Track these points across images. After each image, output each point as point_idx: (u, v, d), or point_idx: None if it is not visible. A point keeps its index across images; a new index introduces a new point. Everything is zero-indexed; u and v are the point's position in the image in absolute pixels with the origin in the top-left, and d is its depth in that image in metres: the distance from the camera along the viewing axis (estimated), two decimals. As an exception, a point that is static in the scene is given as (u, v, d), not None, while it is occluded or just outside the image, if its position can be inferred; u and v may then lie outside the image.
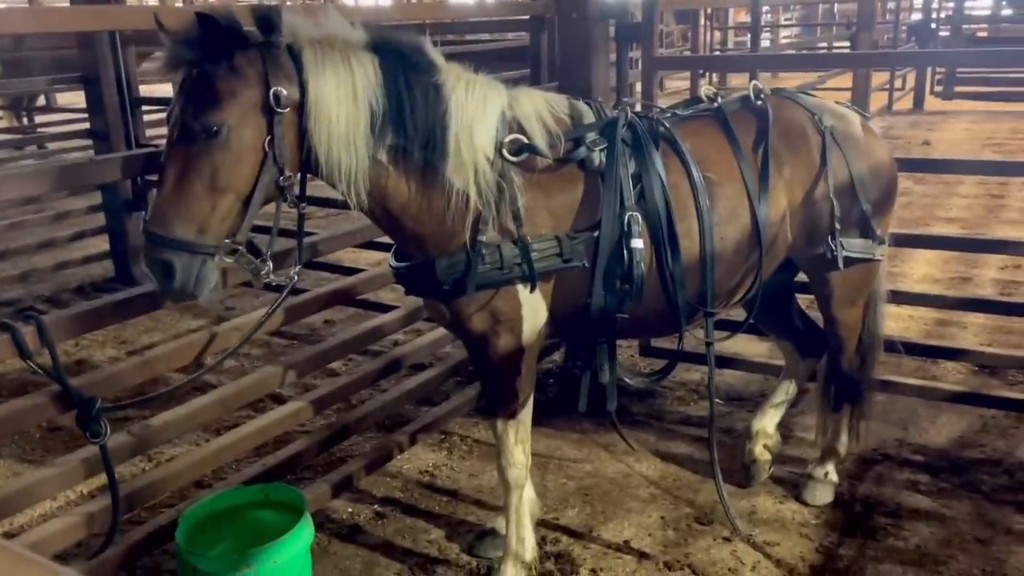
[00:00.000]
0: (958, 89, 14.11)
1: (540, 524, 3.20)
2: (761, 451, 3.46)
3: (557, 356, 4.55)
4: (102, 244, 6.46)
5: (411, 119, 2.31)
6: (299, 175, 2.33)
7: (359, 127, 2.26)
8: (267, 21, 2.13)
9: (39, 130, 10.61)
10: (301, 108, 2.20)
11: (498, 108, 2.45)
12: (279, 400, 4.06)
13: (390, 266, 2.67)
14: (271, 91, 2.13)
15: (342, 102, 2.22)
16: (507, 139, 2.43)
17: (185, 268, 2.15)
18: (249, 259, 2.26)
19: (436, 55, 2.42)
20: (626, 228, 2.54)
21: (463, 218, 2.41)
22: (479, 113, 2.40)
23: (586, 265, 2.54)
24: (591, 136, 2.57)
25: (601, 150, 2.57)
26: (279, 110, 2.15)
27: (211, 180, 2.13)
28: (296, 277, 2.44)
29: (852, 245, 2.96)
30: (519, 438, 2.73)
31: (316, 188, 2.55)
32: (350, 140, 2.25)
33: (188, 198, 2.12)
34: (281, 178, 2.21)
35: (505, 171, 2.43)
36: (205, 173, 2.12)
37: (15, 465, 3.83)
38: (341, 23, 2.31)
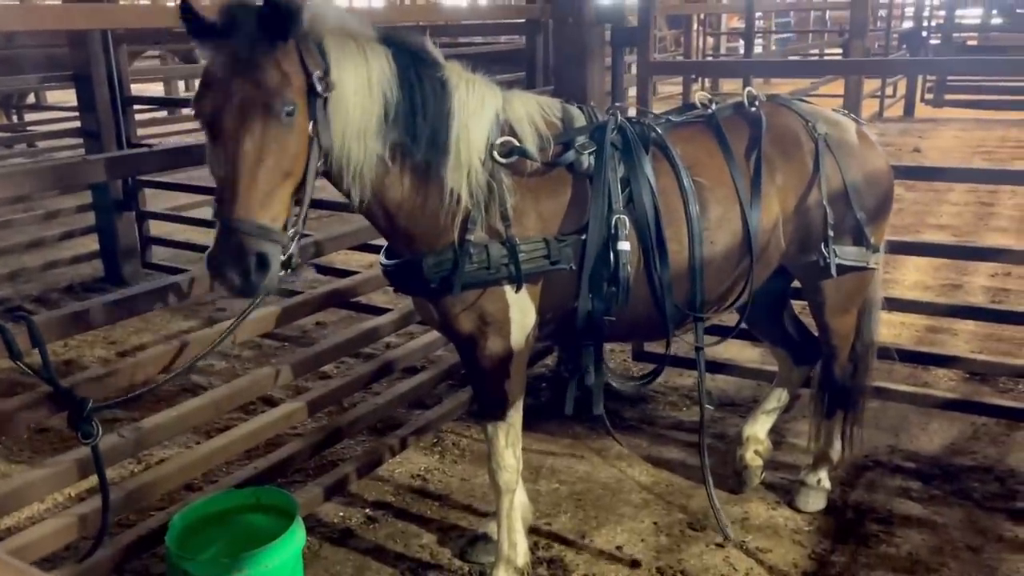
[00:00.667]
0: (948, 97, 14.19)
1: (532, 529, 3.18)
2: (752, 457, 3.45)
3: (550, 360, 4.54)
4: (92, 244, 6.42)
5: (421, 113, 2.31)
6: None
7: (372, 119, 2.25)
8: (291, 6, 2.06)
9: (29, 128, 10.54)
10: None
11: (493, 109, 2.46)
12: (270, 402, 4.04)
13: (380, 264, 2.67)
14: (314, 75, 2.10)
15: (359, 93, 2.21)
16: (498, 141, 2.44)
17: (275, 260, 2.06)
18: (292, 252, 2.17)
19: (439, 53, 2.44)
20: (613, 231, 2.54)
21: (453, 217, 2.41)
22: (477, 112, 2.41)
23: (573, 268, 2.55)
24: (580, 140, 2.59)
25: (590, 153, 2.58)
26: (324, 94, 2.11)
27: (283, 164, 2.06)
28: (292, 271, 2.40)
29: (845, 253, 2.96)
30: (509, 441, 2.73)
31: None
32: (362, 132, 2.24)
33: (264, 184, 2.03)
34: (320, 164, 2.19)
35: (495, 172, 2.44)
36: (279, 156, 2.05)
37: (2, 466, 3.79)
38: (352, 15, 2.30)
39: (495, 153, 2.43)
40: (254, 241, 2.02)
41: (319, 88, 2.10)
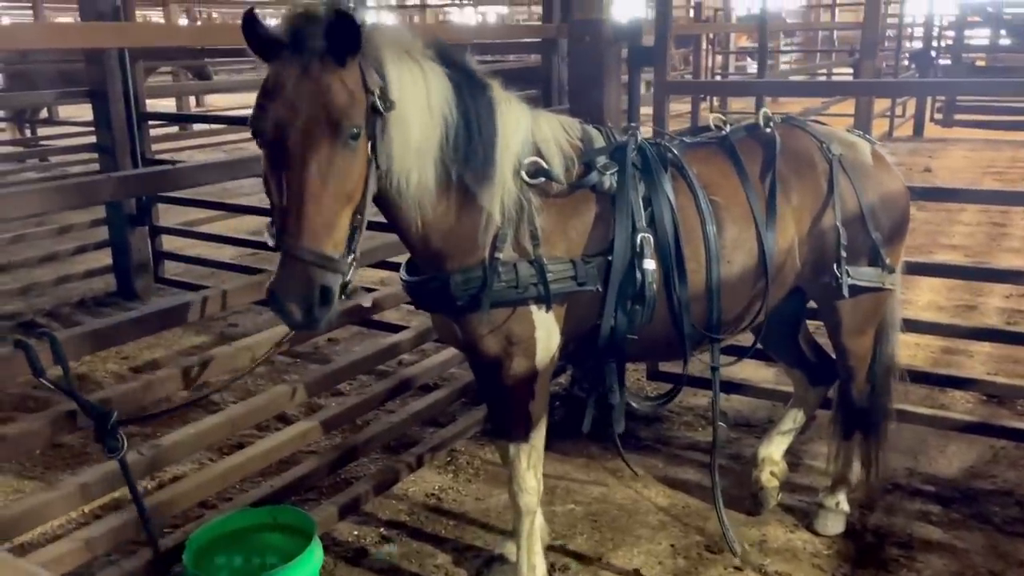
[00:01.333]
0: (957, 117, 14.19)
1: (549, 550, 3.15)
2: (768, 478, 3.42)
3: (563, 379, 4.52)
4: (105, 258, 6.44)
5: (477, 134, 2.29)
6: None
7: (433, 140, 2.23)
8: (354, 21, 2.00)
9: (42, 143, 10.60)
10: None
11: (526, 129, 2.46)
12: (283, 419, 4.03)
13: (402, 280, 2.64)
14: (375, 93, 2.06)
15: (419, 113, 2.18)
16: (527, 160, 2.44)
17: (336, 291, 2.01)
18: (350, 279, 2.10)
19: (483, 72, 2.43)
20: (638, 249, 2.54)
21: (484, 235, 2.40)
22: (514, 133, 2.41)
23: (599, 289, 2.54)
24: (602, 160, 2.59)
25: (612, 173, 2.58)
26: (385, 112, 2.07)
27: (345, 188, 2.01)
28: None
29: (861, 274, 2.95)
30: (531, 463, 2.71)
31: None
32: (423, 153, 2.21)
33: (328, 210, 1.97)
34: (374, 186, 2.15)
35: (524, 191, 2.43)
36: (342, 180, 1.99)
37: (15, 482, 3.77)
38: (406, 31, 2.28)
39: (523, 173, 2.42)
40: (320, 273, 1.97)
41: (380, 107, 2.06)
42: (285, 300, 1.97)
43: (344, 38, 1.96)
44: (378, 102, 2.06)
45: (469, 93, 2.31)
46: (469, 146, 2.29)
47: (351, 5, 2.12)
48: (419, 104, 2.18)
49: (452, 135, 2.25)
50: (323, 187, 1.96)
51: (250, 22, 1.99)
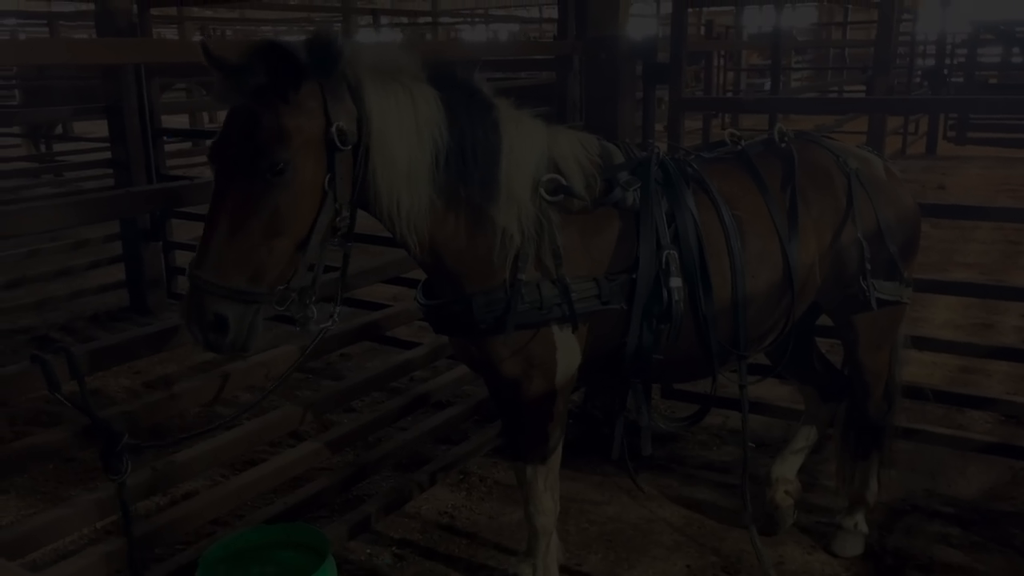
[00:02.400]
0: (970, 135, 14.12)
1: (563, 570, 3.11)
2: (783, 497, 3.39)
3: (576, 396, 4.49)
4: (118, 273, 6.46)
5: (472, 157, 2.26)
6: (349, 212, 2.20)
7: (422, 165, 2.19)
8: (328, 51, 2.02)
9: (57, 158, 10.67)
10: (357, 144, 2.10)
11: (541, 147, 2.42)
12: (296, 436, 4.01)
13: (419, 303, 2.61)
14: (333, 127, 2.03)
15: (406, 139, 2.15)
16: (545, 178, 2.40)
17: (239, 321, 2.02)
18: (301, 306, 2.13)
19: (490, 90, 2.40)
20: (664, 266, 2.51)
21: (504, 255, 2.36)
22: (526, 152, 2.37)
23: (624, 307, 2.50)
24: (624, 176, 2.55)
25: (635, 190, 2.55)
26: (342, 147, 2.04)
27: (271, 222, 1.99)
28: (336, 319, 2.33)
29: (881, 287, 2.94)
30: (548, 484, 2.68)
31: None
32: (413, 179, 2.18)
33: (244, 242, 1.98)
34: (338, 219, 2.12)
35: (543, 209, 2.40)
36: (264, 215, 1.98)
37: (28, 496, 3.76)
38: (399, 52, 2.24)
39: (542, 191, 2.38)
40: (213, 301, 1.99)
41: (337, 141, 2.03)
42: (186, 320, 2.04)
43: (282, 75, 1.96)
44: (336, 138, 2.03)
45: (467, 114, 2.26)
46: (465, 168, 2.25)
47: (336, 33, 2.10)
48: (405, 129, 2.15)
49: (444, 159, 2.21)
50: (236, 222, 1.99)
51: (205, 52, 2.03)
